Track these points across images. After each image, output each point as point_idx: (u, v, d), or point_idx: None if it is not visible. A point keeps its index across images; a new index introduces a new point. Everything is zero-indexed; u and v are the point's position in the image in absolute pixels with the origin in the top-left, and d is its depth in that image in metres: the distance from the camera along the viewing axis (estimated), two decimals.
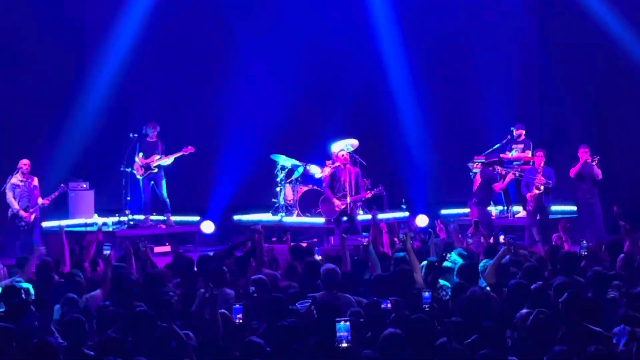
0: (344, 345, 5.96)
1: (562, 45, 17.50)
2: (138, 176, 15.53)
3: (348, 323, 6.02)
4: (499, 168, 14.69)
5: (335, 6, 17.94)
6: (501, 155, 15.81)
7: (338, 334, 5.96)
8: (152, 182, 15.55)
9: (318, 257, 10.67)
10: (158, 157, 15.50)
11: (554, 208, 15.42)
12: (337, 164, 15.13)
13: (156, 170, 15.52)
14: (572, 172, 14.50)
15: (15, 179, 13.86)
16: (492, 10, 17.86)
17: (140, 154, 15.47)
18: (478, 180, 14.91)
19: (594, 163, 14.35)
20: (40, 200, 13.98)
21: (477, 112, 17.66)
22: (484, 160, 15.32)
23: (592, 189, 14.51)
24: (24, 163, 13.94)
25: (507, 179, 14.94)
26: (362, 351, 6.17)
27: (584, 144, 14.69)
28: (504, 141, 16.01)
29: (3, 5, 16.18)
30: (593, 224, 14.21)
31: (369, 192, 14.93)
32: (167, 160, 15.55)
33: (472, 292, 7.37)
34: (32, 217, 13.86)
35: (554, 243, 11.21)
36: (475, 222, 11.41)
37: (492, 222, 14.55)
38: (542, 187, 14.38)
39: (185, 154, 15.55)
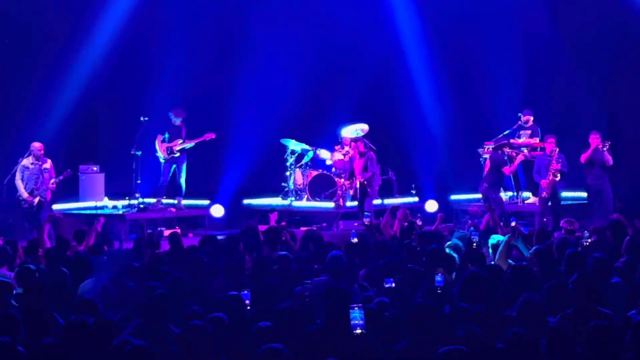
0: (358, 331, 5.95)
1: (573, 29, 17.41)
2: (161, 159, 15.60)
3: (362, 310, 6.02)
4: (508, 151, 14.63)
5: None
6: (511, 140, 15.78)
7: (352, 322, 5.94)
8: (174, 166, 15.64)
9: (355, 240, 10.47)
10: (181, 141, 15.60)
11: (564, 194, 15.38)
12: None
13: (178, 154, 15.61)
14: (583, 158, 14.44)
15: (27, 161, 13.83)
16: None
17: (163, 137, 15.55)
18: (488, 165, 14.89)
19: (604, 149, 14.29)
20: (51, 181, 13.94)
21: (487, 98, 17.60)
22: (493, 145, 15.28)
23: (602, 175, 14.43)
24: (38, 148, 13.88)
25: (517, 160, 14.90)
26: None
27: (595, 130, 14.61)
28: (514, 127, 15.98)
29: None
30: (603, 210, 14.14)
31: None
32: (189, 145, 15.65)
33: (469, 273, 7.38)
34: (36, 200, 13.81)
35: (563, 229, 11.17)
36: (490, 209, 11.41)
37: (504, 206, 14.55)
38: (558, 175, 14.32)
39: (207, 139, 15.67)
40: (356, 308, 6.01)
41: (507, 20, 17.76)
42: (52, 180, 13.88)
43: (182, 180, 15.69)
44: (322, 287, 7.40)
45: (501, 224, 10.93)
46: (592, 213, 14.19)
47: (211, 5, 17.83)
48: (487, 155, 15.44)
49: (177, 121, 15.70)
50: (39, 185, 13.81)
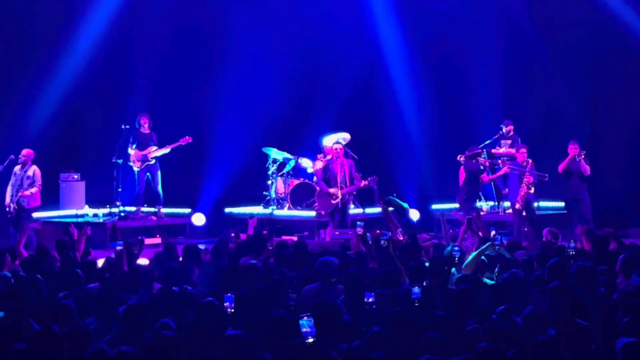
0: (310, 340, 5.96)
1: (553, 37, 17.53)
2: (135, 168, 15.51)
3: (311, 319, 6.04)
4: (482, 160, 14.66)
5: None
6: (492, 150, 15.85)
7: (302, 330, 5.95)
8: (148, 174, 15.55)
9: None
10: (155, 148, 15.49)
11: (543, 204, 15.43)
12: (329, 156, 15.15)
13: (153, 161, 15.51)
14: (560, 167, 14.51)
15: (17, 167, 14.02)
16: (485, 4, 17.85)
17: (134, 146, 15.44)
18: (462, 174, 14.89)
19: (580, 158, 14.35)
20: (29, 191, 13.93)
21: (469, 107, 17.67)
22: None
23: (580, 184, 14.50)
24: (22, 153, 13.96)
25: (501, 172, 14.94)
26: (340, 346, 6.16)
27: (574, 140, 14.68)
28: (496, 136, 16.03)
29: None
30: (581, 220, 14.20)
31: (362, 181, 14.85)
32: (165, 151, 15.55)
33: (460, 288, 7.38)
34: (12, 206, 13.83)
35: (544, 239, 11.19)
36: (468, 220, 11.41)
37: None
38: (532, 188, 14.35)
39: (183, 144, 15.57)
40: (305, 317, 6.03)
41: (489, 29, 17.83)
42: (22, 192, 13.86)
43: (159, 188, 15.58)
44: (311, 295, 7.40)
45: (481, 234, 10.94)
46: (571, 222, 14.26)
47: (193, 13, 17.84)
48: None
49: (146, 128, 15.60)
50: (18, 191, 13.81)
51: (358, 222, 10.94)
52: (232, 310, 6.98)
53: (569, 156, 14.41)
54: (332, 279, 8.00)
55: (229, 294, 7.07)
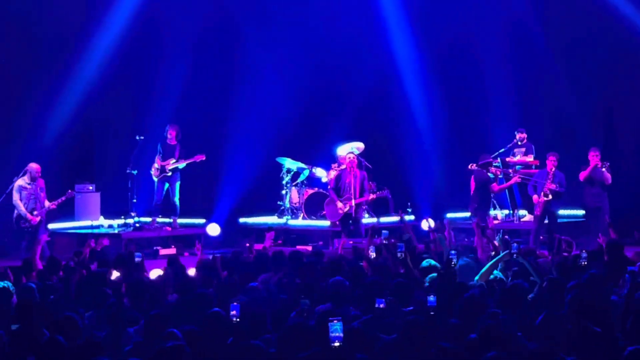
0: (337, 344, 5.96)
1: (568, 45, 17.52)
2: (154, 178, 15.59)
3: (341, 322, 6.03)
4: (492, 169, 14.61)
5: (343, 10, 17.97)
6: (507, 159, 15.79)
7: (331, 334, 5.95)
8: (167, 185, 15.61)
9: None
10: (174, 160, 15.56)
11: (561, 212, 15.34)
12: (343, 166, 15.14)
13: (170, 174, 15.56)
14: (582, 176, 14.32)
15: (22, 181, 13.91)
16: (498, 13, 17.83)
17: (160, 156, 15.53)
18: (473, 183, 14.85)
19: (603, 169, 14.23)
20: (47, 204, 14.01)
21: (484, 116, 17.65)
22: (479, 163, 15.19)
23: (601, 193, 14.34)
24: (37, 169, 13.94)
25: (512, 181, 14.88)
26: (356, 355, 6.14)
27: (595, 147, 14.54)
28: (510, 145, 15.99)
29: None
30: (600, 228, 14.08)
31: (372, 194, 14.82)
32: (180, 165, 15.60)
33: (470, 294, 7.35)
34: (38, 219, 13.86)
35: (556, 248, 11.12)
36: (482, 228, 11.38)
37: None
38: (550, 195, 14.24)
39: (197, 161, 15.60)
40: (335, 321, 6.02)
41: (502, 38, 17.83)
42: (47, 204, 13.90)
43: (177, 199, 15.65)
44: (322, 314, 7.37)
45: (494, 242, 10.91)
46: (589, 231, 14.15)
47: (207, 24, 17.88)
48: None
49: (172, 139, 15.66)
50: (37, 205, 13.83)
51: (383, 231, 10.96)
52: (238, 319, 6.95)
53: (591, 164, 14.24)
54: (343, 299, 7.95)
55: (235, 303, 7.06)
